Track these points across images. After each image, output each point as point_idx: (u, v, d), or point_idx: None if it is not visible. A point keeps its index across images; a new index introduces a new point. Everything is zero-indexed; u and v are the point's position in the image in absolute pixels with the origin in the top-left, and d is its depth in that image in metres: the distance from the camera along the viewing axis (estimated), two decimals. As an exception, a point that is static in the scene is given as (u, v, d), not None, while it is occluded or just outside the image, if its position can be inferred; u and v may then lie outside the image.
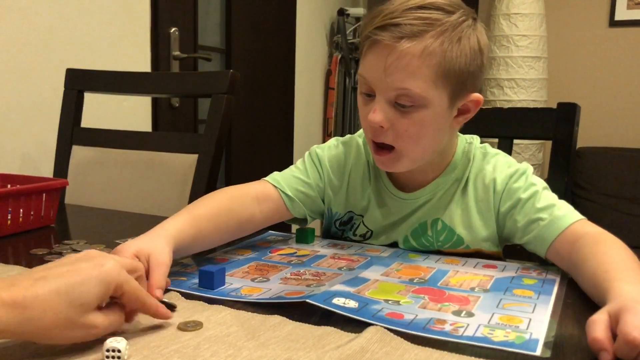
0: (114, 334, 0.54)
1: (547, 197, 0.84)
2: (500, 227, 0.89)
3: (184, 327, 0.58)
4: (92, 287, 0.51)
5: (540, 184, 0.87)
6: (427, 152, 0.85)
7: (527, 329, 0.59)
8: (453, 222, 0.89)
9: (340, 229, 0.99)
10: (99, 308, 0.53)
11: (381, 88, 0.79)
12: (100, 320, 0.52)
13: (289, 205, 0.92)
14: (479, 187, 0.89)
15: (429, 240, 0.91)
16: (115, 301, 0.55)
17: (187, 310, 0.62)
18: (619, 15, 3.11)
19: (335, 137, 1.00)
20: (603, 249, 0.72)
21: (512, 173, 0.88)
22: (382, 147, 0.83)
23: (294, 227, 0.99)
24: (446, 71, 0.77)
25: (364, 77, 0.82)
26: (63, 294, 0.49)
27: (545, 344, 0.56)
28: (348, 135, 0.99)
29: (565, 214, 0.81)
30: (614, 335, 0.52)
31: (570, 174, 1.07)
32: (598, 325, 0.53)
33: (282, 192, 0.91)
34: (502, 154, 0.92)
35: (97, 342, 0.53)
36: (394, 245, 0.93)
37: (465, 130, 0.97)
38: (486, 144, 0.94)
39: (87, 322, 0.51)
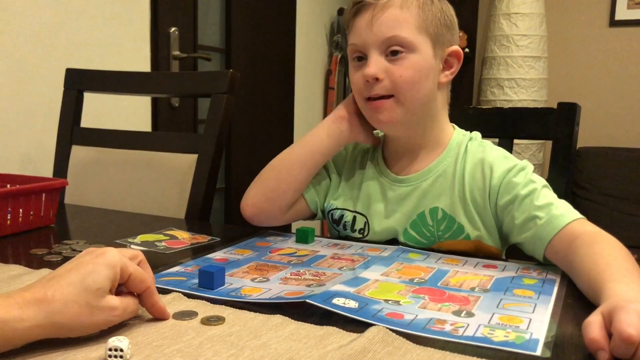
0: (116, 333, 0.54)
1: (546, 195, 0.85)
2: (499, 221, 0.89)
3: (207, 322, 0.59)
4: (101, 272, 0.55)
5: (540, 182, 0.87)
6: (420, 102, 0.89)
7: (527, 329, 0.59)
8: (453, 211, 0.90)
9: (336, 228, 1.01)
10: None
11: (371, 43, 0.87)
12: (118, 302, 0.56)
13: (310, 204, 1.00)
14: (477, 178, 0.90)
15: (430, 230, 0.91)
16: (126, 291, 0.59)
17: (189, 310, 0.62)
18: (619, 15, 3.11)
19: None
20: (598, 250, 0.72)
21: (511, 167, 0.88)
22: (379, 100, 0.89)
23: (294, 227, 1.00)
24: (424, 22, 0.87)
25: (354, 43, 0.90)
26: (78, 283, 0.53)
27: (546, 344, 0.56)
28: None
29: (563, 213, 0.81)
30: (610, 335, 0.52)
31: (570, 174, 1.07)
32: (593, 326, 0.53)
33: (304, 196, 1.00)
34: (502, 150, 0.93)
35: (99, 341, 0.53)
36: (394, 241, 0.94)
37: (466, 129, 0.98)
38: (487, 141, 0.95)
39: (106, 304, 0.55)
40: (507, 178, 0.87)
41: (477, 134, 0.96)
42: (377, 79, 0.86)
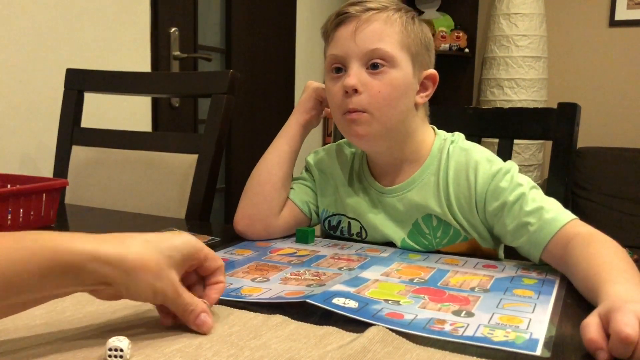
0: (116, 333, 0.54)
1: (535, 198, 0.83)
2: (489, 225, 0.89)
3: None
4: (178, 242, 0.57)
5: (527, 183, 0.86)
6: (396, 119, 0.88)
7: (527, 329, 0.59)
8: (445, 217, 0.90)
9: (334, 235, 1.01)
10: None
11: (353, 54, 0.86)
12: (188, 294, 0.57)
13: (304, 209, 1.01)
14: (462, 184, 0.89)
15: (428, 238, 0.91)
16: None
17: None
18: (619, 15, 3.11)
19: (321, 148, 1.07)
20: (593, 251, 0.72)
21: (495, 172, 0.87)
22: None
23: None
24: (406, 40, 0.87)
25: (334, 54, 0.89)
26: (152, 242, 0.55)
27: (545, 344, 0.56)
28: (330, 144, 1.06)
29: (554, 217, 0.80)
30: (607, 335, 0.53)
31: (570, 174, 1.07)
32: (591, 327, 0.54)
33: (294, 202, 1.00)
34: (486, 152, 0.91)
35: (99, 341, 0.53)
36: (393, 244, 0.94)
37: (465, 129, 0.98)
38: (474, 143, 0.94)
39: (172, 276, 0.55)
40: (492, 184, 0.86)
41: (459, 136, 0.94)
42: (355, 91, 0.85)
